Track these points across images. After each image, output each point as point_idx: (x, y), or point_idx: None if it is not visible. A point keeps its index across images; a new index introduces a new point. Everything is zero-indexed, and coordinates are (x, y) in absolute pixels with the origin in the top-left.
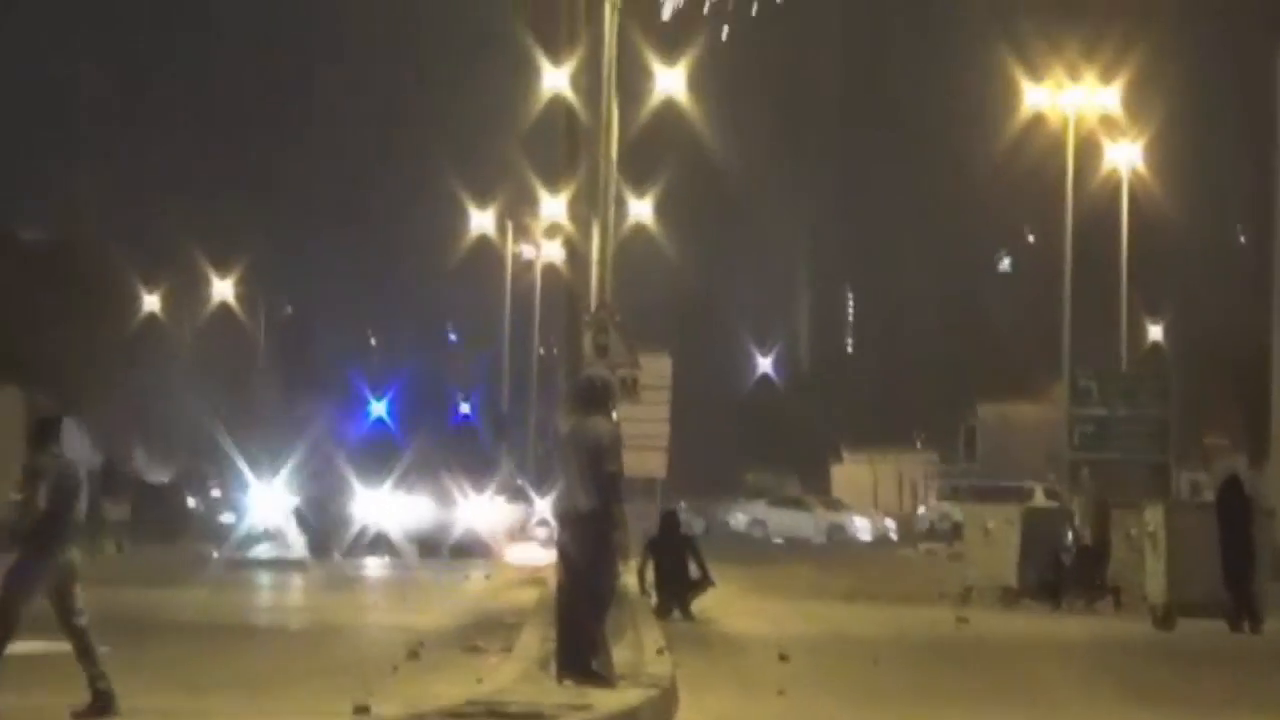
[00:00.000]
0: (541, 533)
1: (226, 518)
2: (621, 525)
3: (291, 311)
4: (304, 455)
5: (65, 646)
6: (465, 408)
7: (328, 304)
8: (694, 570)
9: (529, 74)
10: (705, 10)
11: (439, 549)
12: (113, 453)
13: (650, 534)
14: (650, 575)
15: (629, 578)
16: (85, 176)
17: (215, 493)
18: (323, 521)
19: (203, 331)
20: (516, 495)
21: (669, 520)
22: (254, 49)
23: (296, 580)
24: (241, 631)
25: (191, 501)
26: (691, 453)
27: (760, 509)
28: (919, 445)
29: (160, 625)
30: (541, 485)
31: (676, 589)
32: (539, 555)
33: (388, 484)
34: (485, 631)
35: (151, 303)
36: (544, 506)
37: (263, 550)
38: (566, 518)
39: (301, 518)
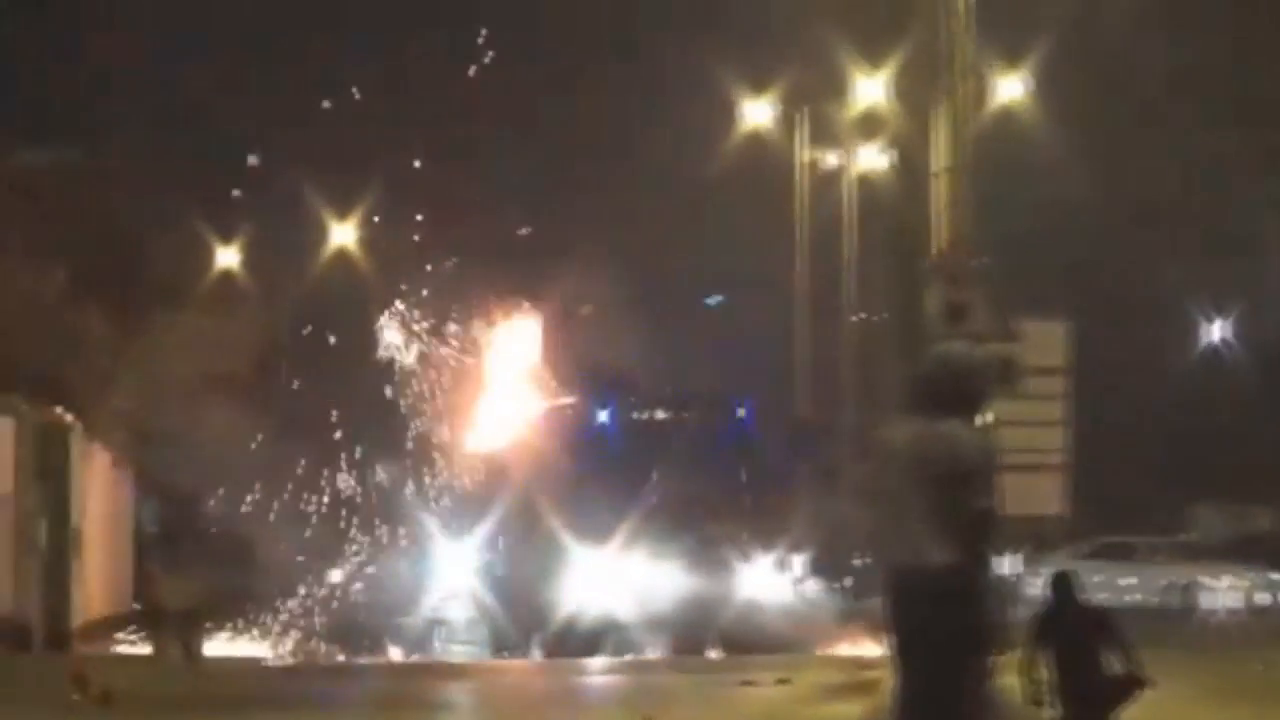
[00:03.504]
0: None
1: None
2: (998, 593)
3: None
4: (501, 501)
5: None
6: (741, 411)
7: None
8: (1115, 664)
9: None
10: None
11: (703, 640)
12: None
13: (1042, 606)
14: (1044, 674)
15: (1010, 678)
16: None
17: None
18: (518, 603)
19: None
20: (828, 553)
21: (1063, 585)
22: None
23: (467, 696)
24: None
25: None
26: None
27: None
28: None
29: None
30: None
31: (1088, 695)
32: (868, 645)
33: (615, 540)
34: None
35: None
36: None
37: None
38: (903, 584)
39: (483, 597)
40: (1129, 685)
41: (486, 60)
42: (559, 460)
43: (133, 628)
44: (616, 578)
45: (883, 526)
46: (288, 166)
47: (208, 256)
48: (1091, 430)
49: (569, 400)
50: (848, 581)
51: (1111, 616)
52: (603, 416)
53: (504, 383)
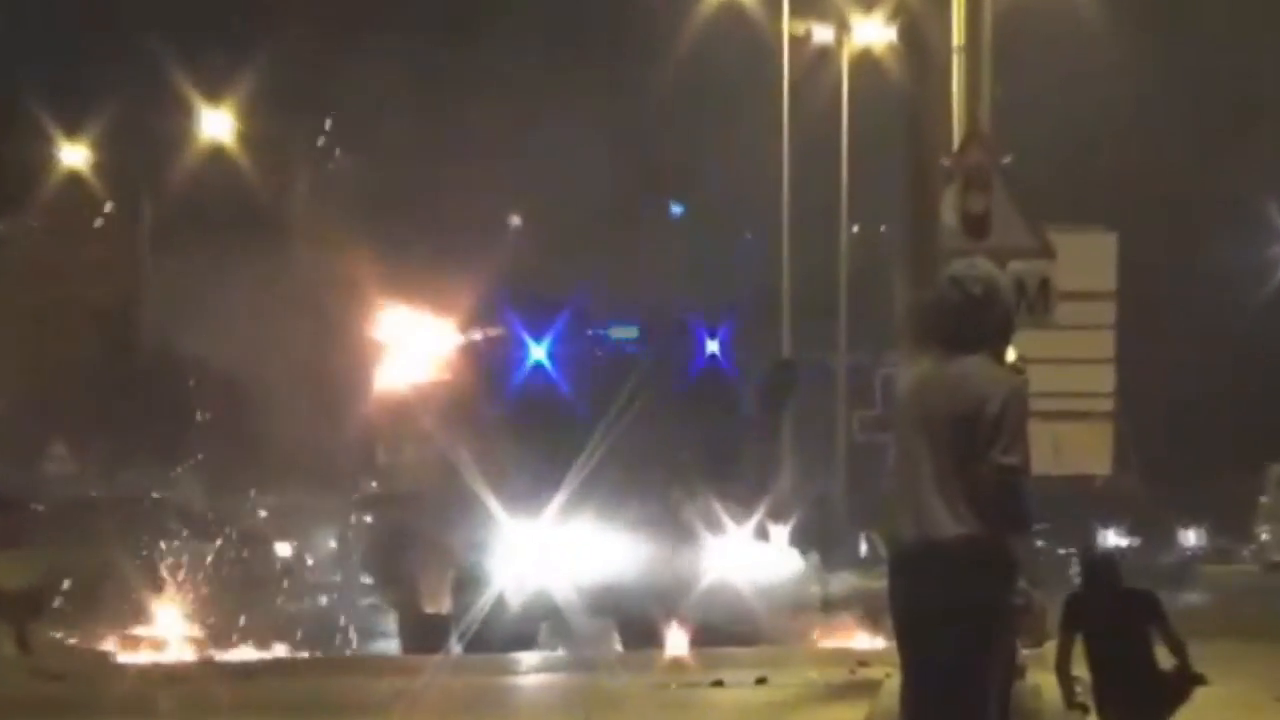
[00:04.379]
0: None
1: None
2: (1029, 572)
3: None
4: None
5: None
6: (712, 346)
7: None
8: (1162, 657)
9: None
10: None
11: (661, 630)
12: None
13: (1075, 591)
14: (1080, 670)
15: (1042, 675)
16: None
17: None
18: (431, 584)
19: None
20: (816, 520)
21: (1101, 567)
22: None
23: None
24: None
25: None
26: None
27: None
28: None
29: None
30: (862, 498)
31: (1132, 693)
32: (867, 635)
33: (552, 506)
34: None
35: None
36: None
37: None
38: (911, 560)
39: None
40: (1183, 685)
41: None
42: (481, 407)
43: None
44: (553, 553)
45: (887, 489)
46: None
47: (49, 154)
48: (1141, 372)
49: (494, 332)
50: (840, 556)
51: (1160, 604)
52: (537, 352)
53: (412, 307)
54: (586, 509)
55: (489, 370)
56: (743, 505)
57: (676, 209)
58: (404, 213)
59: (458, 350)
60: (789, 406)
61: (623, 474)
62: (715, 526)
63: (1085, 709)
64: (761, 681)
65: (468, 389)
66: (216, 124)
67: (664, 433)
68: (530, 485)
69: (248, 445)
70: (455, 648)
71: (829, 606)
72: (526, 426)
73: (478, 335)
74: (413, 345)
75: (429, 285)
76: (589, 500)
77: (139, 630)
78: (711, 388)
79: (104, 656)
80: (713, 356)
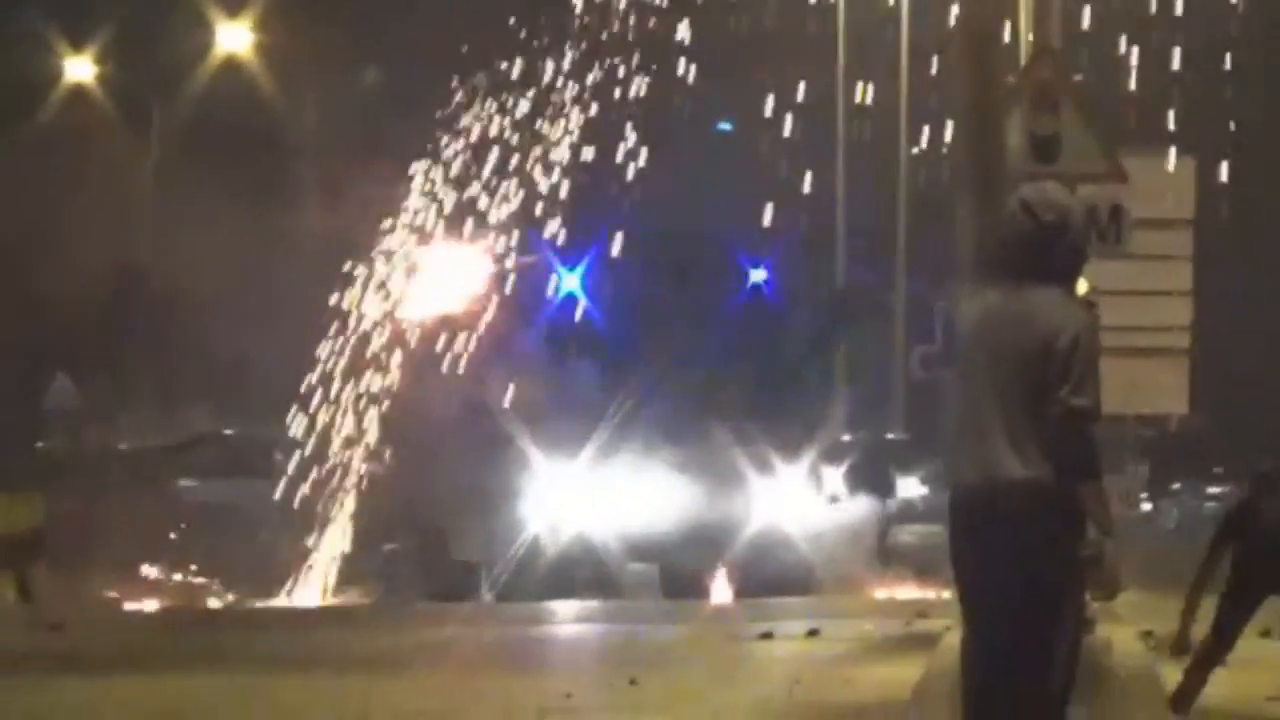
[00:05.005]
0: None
1: None
2: (1099, 520)
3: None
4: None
5: None
6: (758, 274)
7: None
8: None
9: None
10: None
11: (704, 577)
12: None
13: (1230, 513)
14: (1227, 616)
15: (1113, 629)
16: None
17: None
18: (462, 530)
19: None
20: (874, 464)
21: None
22: None
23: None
24: None
25: None
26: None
27: None
28: None
29: None
30: (920, 440)
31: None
32: (926, 586)
33: (590, 447)
34: None
35: None
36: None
37: None
38: (974, 505)
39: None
40: None
41: None
42: (513, 339)
43: None
44: (592, 495)
45: (951, 430)
46: None
47: (53, 68)
48: (1218, 308)
49: (526, 259)
50: (898, 501)
51: None
52: (572, 281)
53: (439, 231)
54: (627, 449)
55: (521, 300)
56: (793, 446)
57: (724, 126)
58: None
59: (489, 279)
60: (843, 340)
61: (665, 411)
62: (764, 468)
63: (1185, 652)
64: (813, 634)
65: (499, 320)
66: (233, 37)
67: (708, 368)
68: (566, 423)
69: (260, 376)
70: (486, 596)
71: (885, 554)
72: (561, 360)
73: (510, 262)
74: (441, 273)
75: (458, 208)
76: (629, 440)
77: (149, 575)
78: (757, 321)
79: (111, 604)
80: (757, 287)
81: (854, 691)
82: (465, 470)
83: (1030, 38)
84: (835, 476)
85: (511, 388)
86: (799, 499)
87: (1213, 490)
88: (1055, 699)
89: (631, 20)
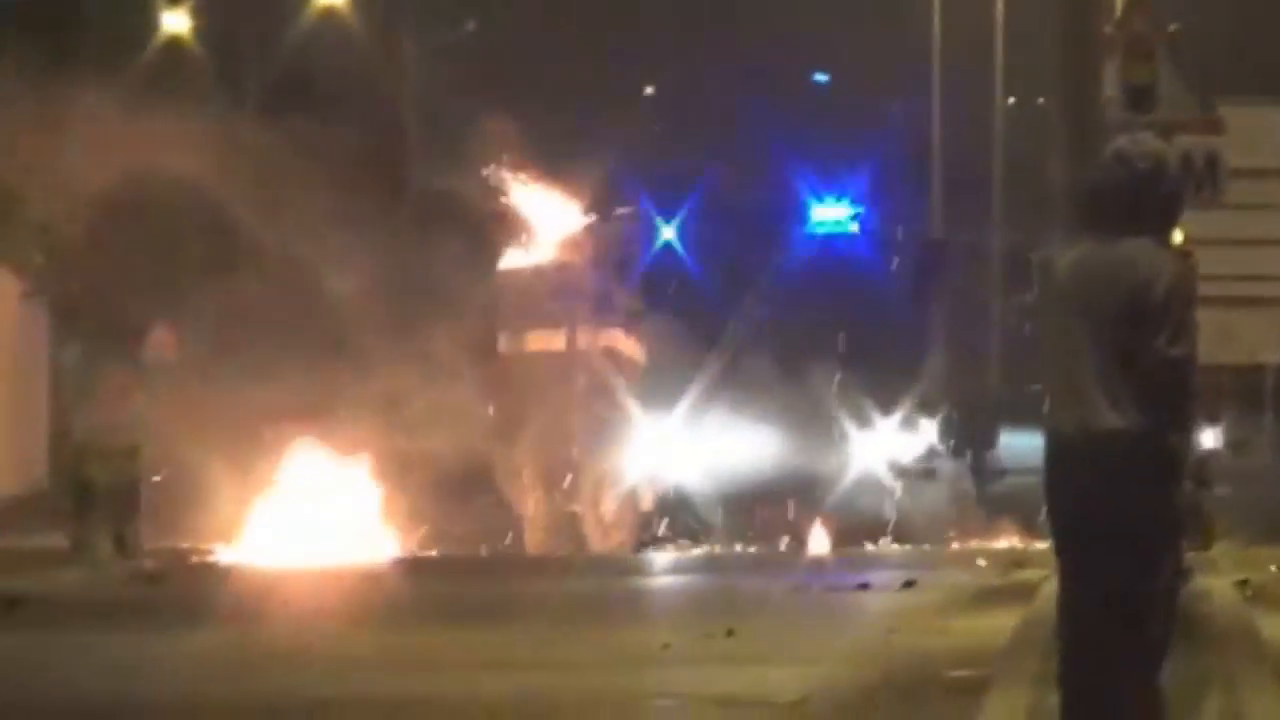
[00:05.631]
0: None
1: None
2: (1195, 472)
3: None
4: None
5: None
6: (852, 225)
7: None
8: None
9: None
10: None
11: (804, 530)
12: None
13: None
14: None
15: (1211, 579)
16: None
17: None
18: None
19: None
20: (973, 416)
21: None
22: None
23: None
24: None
25: None
26: None
27: None
28: None
29: None
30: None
31: None
32: (1023, 536)
33: (685, 400)
34: (905, 712)
35: None
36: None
37: None
38: (1069, 456)
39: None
40: None
41: None
42: (610, 290)
43: (49, 512)
44: (687, 446)
45: (1046, 381)
46: None
47: (150, 19)
48: None
49: (623, 210)
50: (995, 451)
51: None
52: (667, 231)
53: (537, 183)
54: (722, 400)
55: (617, 251)
56: (890, 396)
57: (820, 78)
58: (531, 85)
59: (584, 230)
60: (939, 290)
61: (760, 362)
62: (860, 418)
63: None
64: (909, 584)
65: (595, 272)
66: None
67: (804, 319)
68: (663, 374)
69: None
70: (584, 547)
71: (983, 504)
72: (657, 311)
73: (606, 214)
74: (537, 224)
75: (555, 161)
76: (725, 391)
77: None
78: (853, 270)
79: (209, 556)
80: (851, 237)
81: (950, 640)
82: (561, 420)
83: None
84: (932, 427)
85: (606, 337)
86: (895, 450)
87: None
88: (1153, 649)
89: None
